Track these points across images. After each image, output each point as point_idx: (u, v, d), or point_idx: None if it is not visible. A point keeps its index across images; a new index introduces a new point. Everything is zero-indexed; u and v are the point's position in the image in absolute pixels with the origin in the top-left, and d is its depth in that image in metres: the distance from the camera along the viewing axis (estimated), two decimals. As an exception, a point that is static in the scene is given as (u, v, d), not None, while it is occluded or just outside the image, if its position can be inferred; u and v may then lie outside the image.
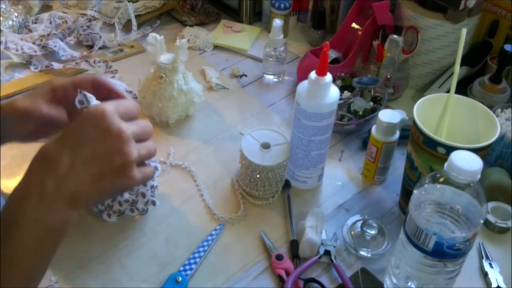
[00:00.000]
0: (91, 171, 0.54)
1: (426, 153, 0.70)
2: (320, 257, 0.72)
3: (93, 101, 0.61)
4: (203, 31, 1.18)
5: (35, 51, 1.05)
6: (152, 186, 0.75)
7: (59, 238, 0.54)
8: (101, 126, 0.54)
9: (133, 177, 0.56)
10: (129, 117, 0.57)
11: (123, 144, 0.55)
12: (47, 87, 0.67)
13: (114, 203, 0.72)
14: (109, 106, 0.55)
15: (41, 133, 0.68)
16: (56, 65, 1.04)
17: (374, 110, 0.93)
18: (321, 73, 0.72)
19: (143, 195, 0.73)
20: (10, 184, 0.82)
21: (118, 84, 0.93)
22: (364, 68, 1.07)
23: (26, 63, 1.06)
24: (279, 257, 0.72)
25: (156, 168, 0.76)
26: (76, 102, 0.60)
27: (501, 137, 0.82)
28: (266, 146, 0.79)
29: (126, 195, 0.71)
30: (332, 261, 0.72)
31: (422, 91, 1.02)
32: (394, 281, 0.67)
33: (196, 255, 0.73)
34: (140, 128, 0.58)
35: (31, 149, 0.87)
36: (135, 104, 0.60)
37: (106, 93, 0.65)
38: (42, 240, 0.52)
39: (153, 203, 0.75)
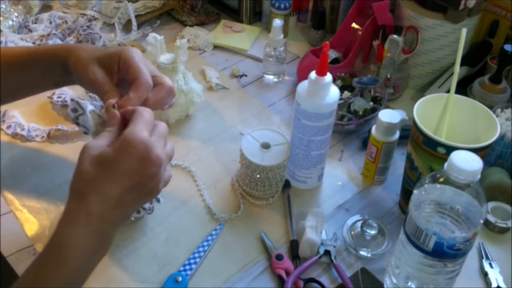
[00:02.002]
0: (131, 197, 0.56)
1: (426, 153, 0.70)
2: (320, 257, 0.72)
3: (88, 107, 0.60)
4: (203, 31, 1.18)
5: (35, 51, 1.05)
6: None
7: (102, 257, 0.58)
8: (143, 157, 0.55)
9: (160, 190, 0.60)
10: (162, 136, 0.59)
11: (159, 169, 0.57)
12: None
13: None
14: (145, 133, 0.57)
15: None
16: (56, 65, 1.04)
17: (374, 110, 0.93)
18: (321, 73, 0.72)
19: None
20: (10, 184, 0.82)
21: None
22: (364, 68, 1.07)
23: (26, 63, 1.05)
24: (279, 257, 0.72)
25: None
26: (69, 111, 0.60)
27: (501, 137, 0.82)
28: (266, 146, 0.79)
29: None
30: (332, 261, 0.72)
31: (422, 91, 1.02)
32: (394, 281, 0.67)
33: (196, 255, 0.73)
34: (171, 149, 0.61)
35: (31, 149, 0.88)
36: (165, 126, 0.61)
37: (131, 74, 0.65)
38: (89, 261, 0.56)
39: (157, 200, 0.75)
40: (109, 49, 0.69)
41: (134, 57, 0.65)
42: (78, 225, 0.54)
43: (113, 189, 0.55)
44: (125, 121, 0.60)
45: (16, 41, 1.04)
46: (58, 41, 1.07)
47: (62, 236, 0.54)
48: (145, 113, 0.59)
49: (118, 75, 0.66)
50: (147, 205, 0.74)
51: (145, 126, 0.57)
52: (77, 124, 0.65)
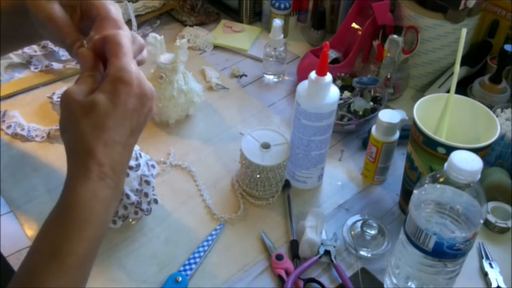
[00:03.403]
0: (133, 138, 0.54)
1: (426, 153, 0.70)
2: (320, 257, 0.72)
3: None
4: (203, 31, 1.18)
5: (35, 51, 1.05)
6: (152, 185, 0.75)
7: (116, 207, 0.55)
8: (139, 93, 0.52)
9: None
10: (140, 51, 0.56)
11: (153, 101, 0.54)
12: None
13: (119, 208, 0.71)
14: (135, 66, 0.53)
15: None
16: (56, 65, 1.04)
17: (374, 110, 0.93)
18: (321, 73, 0.72)
19: (146, 194, 0.73)
20: (10, 184, 0.82)
21: None
22: (364, 68, 1.07)
23: (26, 63, 1.05)
24: (279, 257, 0.72)
25: (153, 166, 0.76)
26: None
27: (501, 137, 0.82)
28: (266, 146, 0.79)
29: (132, 197, 0.71)
30: (332, 261, 0.72)
31: (422, 91, 1.02)
32: (394, 281, 0.67)
33: (196, 255, 0.73)
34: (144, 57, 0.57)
35: (32, 149, 0.88)
36: (139, 37, 0.57)
37: (94, 13, 0.59)
38: (107, 213, 0.53)
39: (155, 201, 0.75)
40: None
41: None
42: (93, 180, 0.50)
43: (118, 135, 0.51)
44: (100, 55, 0.54)
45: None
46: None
47: (80, 195, 0.50)
48: (124, 40, 0.53)
49: (81, 19, 0.60)
50: (145, 207, 0.74)
51: (130, 56, 0.53)
52: None
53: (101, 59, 0.54)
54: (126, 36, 0.54)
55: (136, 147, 0.75)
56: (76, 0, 0.59)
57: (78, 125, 0.50)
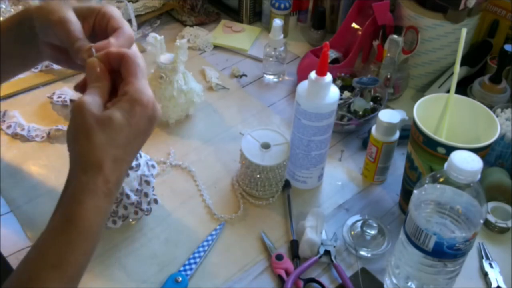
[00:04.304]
0: (136, 154, 0.56)
1: (426, 153, 0.70)
2: (320, 257, 0.72)
3: None
4: (203, 31, 1.18)
5: (35, 51, 1.05)
6: (152, 185, 0.75)
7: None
8: (152, 116, 0.54)
9: None
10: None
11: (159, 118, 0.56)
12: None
13: (118, 208, 0.71)
14: (149, 90, 0.54)
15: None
16: (56, 65, 1.04)
17: (374, 110, 0.93)
18: (321, 73, 0.72)
19: (146, 194, 0.73)
20: (10, 184, 0.82)
21: None
22: (364, 68, 1.07)
23: (26, 63, 1.05)
24: (279, 257, 0.72)
25: (153, 166, 0.76)
26: (69, 113, 0.58)
27: (501, 137, 0.82)
28: (266, 146, 0.79)
29: (132, 197, 0.71)
30: (332, 261, 0.72)
31: (422, 91, 1.02)
32: (394, 281, 0.67)
33: (196, 255, 0.73)
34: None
35: (31, 149, 0.88)
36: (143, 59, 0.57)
37: (112, 26, 0.60)
38: (104, 223, 0.54)
39: (155, 201, 0.75)
40: (86, 3, 0.63)
41: (115, 11, 0.61)
42: (99, 196, 0.51)
43: (128, 154, 0.53)
44: (109, 67, 0.55)
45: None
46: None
47: (87, 209, 0.51)
48: (140, 61, 0.55)
49: (92, 31, 0.61)
50: (145, 207, 0.74)
51: (145, 80, 0.54)
52: None
53: (110, 70, 0.55)
54: (140, 56, 0.55)
55: (146, 156, 0.75)
56: (93, 10, 0.60)
57: (92, 137, 0.51)
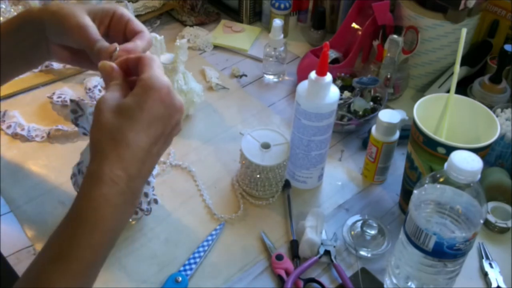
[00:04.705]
0: (157, 148, 0.53)
1: (426, 153, 0.70)
2: (320, 257, 0.72)
3: (88, 109, 0.59)
4: (203, 31, 1.18)
5: (35, 51, 1.05)
6: (152, 185, 0.75)
7: (131, 215, 0.55)
8: (168, 102, 0.52)
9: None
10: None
11: (181, 116, 0.55)
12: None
13: None
14: (165, 78, 0.54)
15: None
16: (56, 65, 1.04)
17: (374, 110, 0.93)
18: (321, 73, 0.72)
19: (146, 194, 0.73)
20: (10, 184, 0.82)
21: None
22: (364, 68, 1.07)
23: (26, 63, 1.05)
24: (279, 257, 0.72)
25: None
26: (69, 112, 0.58)
27: (501, 137, 0.82)
28: (266, 146, 0.79)
29: None
30: (332, 261, 0.72)
31: (422, 91, 1.02)
32: (394, 281, 0.67)
33: (196, 255, 0.73)
34: None
35: (31, 149, 0.88)
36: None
37: (132, 29, 0.62)
38: (120, 221, 0.52)
39: (155, 201, 0.75)
40: (99, 4, 0.64)
41: (130, 14, 0.62)
42: (107, 184, 0.49)
43: (140, 140, 0.51)
44: (127, 71, 0.56)
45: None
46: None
47: (91, 199, 0.49)
48: (157, 59, 0.55)
49: (107, 31, 0.62)
50: (144, 206, 0.74)
51: (162, 71, 0.54)
52: (77, 125, 0.65)
53: (126, 74, 0.56)
54: (157, 58, 0.56)
55: None
56: (107, 12, 0.61)
57: (101, 125, 0.50)
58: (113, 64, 0.55)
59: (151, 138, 0.52)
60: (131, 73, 0.56)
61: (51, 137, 0.90)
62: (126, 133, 0.50)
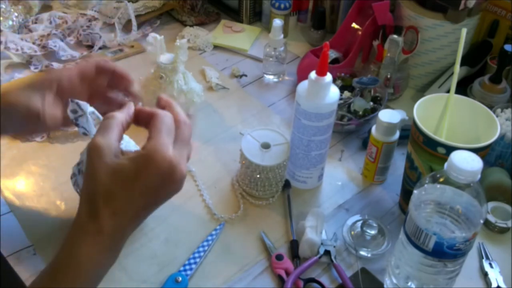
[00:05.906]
0: (146, 212, 0.55)
1: (426, 153, 0.70)
2: (320, 257, 0.72)
3: (88, 108, 0.59)
4: (203, 31, 1.18)
5: (35, 51, 1.05)
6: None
7: (112, 265, 0.55)
8: (166, 176, 0.53)
9: None
10: (185, 143, 0.56)
11: (181, 184, 0.55)
12: (50, 80, 0.65)
13: None
14: (170, 149, 0.53)
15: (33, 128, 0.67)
16: (56, 65, 1.04)
17: (374, 110, 0.93)
18: (321, 73, 0.72)
19: None
20: (10, 184, 0.82)
21: None
22: (364, 68, 1.07)
23: (26, 63, 1.06)
24: (279, 257, 0.72)
25: None
26: (69, 112, 0.58)
27: (501, 137, 0.82)
28: (266, 146, 0.79)
29: None
30: (332, 261, 0.72)
31: (422, 91, 1.02)
32: (394, 281, 0.67)
33: (196, 255, 0.73)
34: (191, 152, 0.58)
35: (31, 149, 0.88)
36: (190, 126, 0.58)
37: (109, 75, 0.64)
38: (100, 272, 0.54)
39: None
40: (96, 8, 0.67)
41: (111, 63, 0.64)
42: (89, 242, 0.51)
43: (130, 209, 0.52)
44: (138, 119, 0.57)
45: (16, 41, 1.04)
46: (58, 41, 1.07)
47: (73, 250, 0.51)
48: (167, 120, 0.55)
49: (96, 79, 0.64)
50: None
51: (169, 139, 0.54)
52: (77, 125, 0.65)
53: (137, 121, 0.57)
54: (169, 116, 0.56)
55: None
56: (90, 66, 0.64)
57: (96, 177, 0.51)
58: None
59: (140, 207, 0.53)
60: (137, 122, 0.57)
61: (51, 137, 0.90)
62: (118, 198, 0.51)
